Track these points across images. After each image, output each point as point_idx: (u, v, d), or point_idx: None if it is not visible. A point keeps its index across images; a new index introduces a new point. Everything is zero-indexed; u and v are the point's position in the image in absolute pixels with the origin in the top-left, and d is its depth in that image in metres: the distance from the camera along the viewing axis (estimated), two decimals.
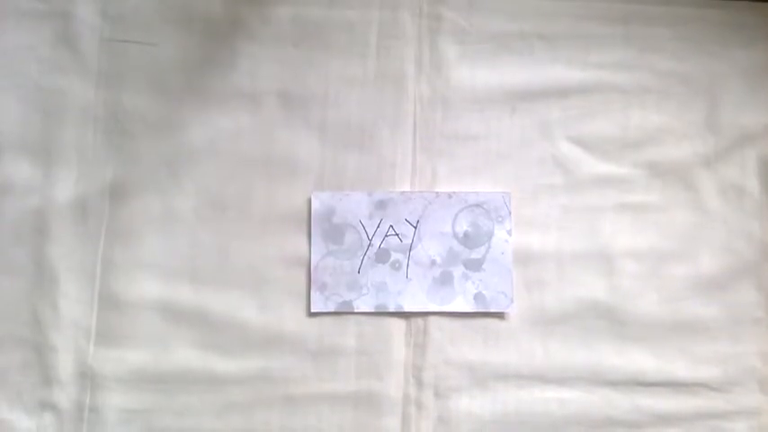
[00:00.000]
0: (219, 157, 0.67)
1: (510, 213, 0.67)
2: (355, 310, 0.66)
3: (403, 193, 0.67)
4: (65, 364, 0.64)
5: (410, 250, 0.67)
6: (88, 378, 0.64)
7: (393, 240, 0.67)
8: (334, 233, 0.67)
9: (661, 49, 0.70)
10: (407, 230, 0.67)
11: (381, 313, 0.66)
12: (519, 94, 0.69)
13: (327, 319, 0.66)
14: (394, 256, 0.67)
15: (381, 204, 0.67)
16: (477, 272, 0.66)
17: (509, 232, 0.67)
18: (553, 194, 0.68)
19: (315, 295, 0.66)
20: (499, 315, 0.66)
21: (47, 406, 0.64)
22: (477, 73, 0.69)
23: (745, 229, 0.68)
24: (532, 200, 0.68)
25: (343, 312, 0.66)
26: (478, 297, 0.66)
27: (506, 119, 0.69)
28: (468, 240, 0.67)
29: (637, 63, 0.70)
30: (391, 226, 0.67)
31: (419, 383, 0.65)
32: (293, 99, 0.68)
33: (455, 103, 0.69)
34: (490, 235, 0.67)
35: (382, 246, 0.67)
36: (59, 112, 0.67)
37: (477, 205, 0.67)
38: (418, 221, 0.67)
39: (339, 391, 0.65)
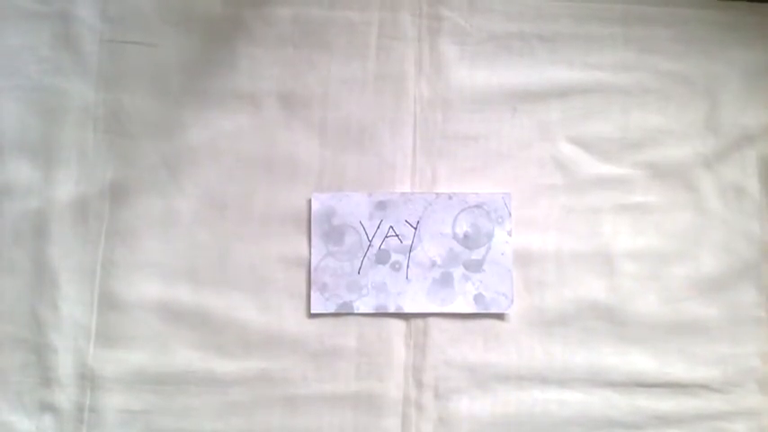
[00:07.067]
0: (219, 157, 0.67)
1: (510, 214, 0.67)
2: (355, 311, 0.66)
3: (403, 193, 0.67)
4: (65, 365, 0.64)
5: (410, 251, 0.67)
6: (88, 379, 0.64)
7: (393, 241, 0.67)
8: (335, 234, 0.67)
9: (661, 50, 0.70)
10: (407, 231, 0.67)
11: (381, 314, 0.66)
12: (519, 95, 0.69)
13: (327, 320, 0.66)
14: (394, 257, 0.67)
15: (381, 205, 0.67)
16: (477, 273, 0.66)
17: (509, 233, 0.67)
18: (553, 195, 0.68)
19: (315, 296, 0.66)
20: (499, 316, 0.66)
21: (47, 407, 0.63)
22: (477, 73, 0.69)
23: (745, 229, 0.68)
24: (532, 200, 0.68)
25: (344, 313, 0.66)
26: (478, 298, 0.66)
27: (506, 119, 0.69)
28: (468, 241, 0.67)
29: (637, 64, 0.70)
30: (391, 227, 0.67)
31: (419, 384, 0.65)
32: (293, 100, 0.68)
33: (455, 104, 0.69)
34: (490, 236, 0.67)
35: (382, 247, 0.67)
36: (59, 113, 0.67)
37: (478, 206, 0.67)
38: (418, 222, 0.67)
39: (339, 392, 0.65)
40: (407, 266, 0.66)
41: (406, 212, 0.67)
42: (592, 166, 0.69)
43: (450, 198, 0.67)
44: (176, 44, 0.68)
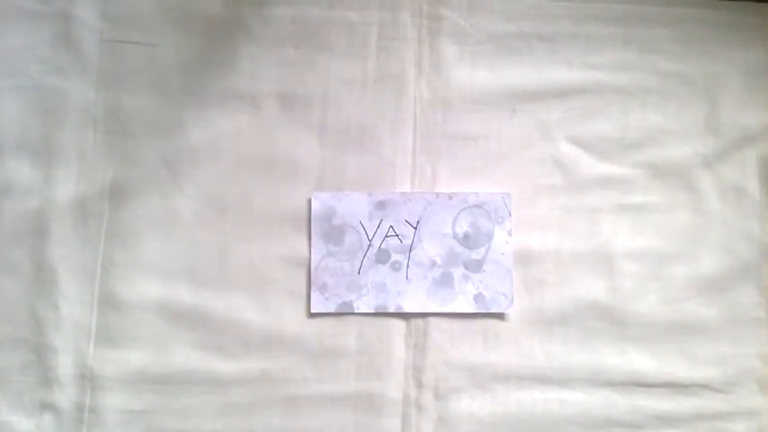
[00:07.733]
0: (219, 157, 0.67)
1: (510, 214, 0.67)
2: (355, 311, 0.66)
3: (403, 193, 0.67)
4: (65, 365, 0.64)
5: (410, 251, 0.67)
6: (88, 379, 0.64)
7: (393, 241, 0.67)
8: (334, 234, 0.67)
9: (661, 50, 0.70)
10: (407, 231, 0.67)
11: (381, 314, 0.66)
12: (519, 95, 0.69)
13: (327, 320, 0.66)
14: (394, 256, 0.67)
15: (381, 205, 0.67)
16: (477, 273, 0.66)
17: (509, 233, 0.67)
18: (553, 195, 0.68)
19: (315, 296, 0.66)
20: (499, 316, 0.66)
21: (47, 407, 0.63)
22: (477, 73, 0.69)
23: (745, 229, 0.68)
24: (532, 200, 0.68)
25: (344, 313, 0.66)
26: (478, 298, 0.66)
27: (506, 119, 0.69)
28: (468, 241, 0.67)
29: (636, 64, 0.70)
30: (391, 227, 0.67)
31: (419, 384, 0.65)
32: (293, 100, 0.68)
33: (455, 104, 0.69)
34: (490, 236, 0.67)
35: (382, 246, 0.67)
36: (59, 113, 0.67)
37: (478, 206, 0.67)
38: (418, 222, 0.67)
39: (339, 392, 0.65)
40: (407, 266, 0.66)
41: (406, 212, 0.67)
42: (591, 166, 0.69)
43: (450, 198, 0.67)
44: (176, 44, 0.68)
